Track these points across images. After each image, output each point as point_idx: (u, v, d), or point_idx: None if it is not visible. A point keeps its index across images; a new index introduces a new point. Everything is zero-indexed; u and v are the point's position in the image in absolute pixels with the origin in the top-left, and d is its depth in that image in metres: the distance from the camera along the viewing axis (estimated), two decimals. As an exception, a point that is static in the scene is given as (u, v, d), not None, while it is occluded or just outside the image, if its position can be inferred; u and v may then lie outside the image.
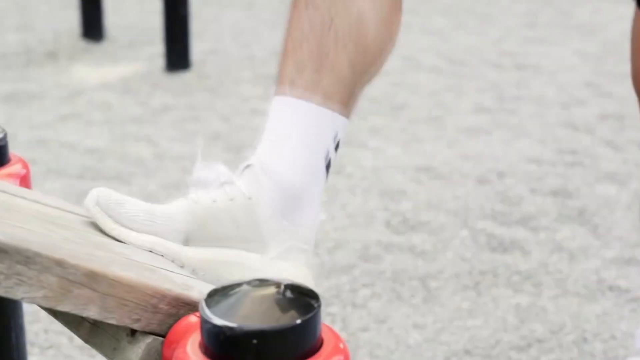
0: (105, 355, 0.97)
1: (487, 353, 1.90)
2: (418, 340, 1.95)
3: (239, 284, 0.88)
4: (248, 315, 0.83)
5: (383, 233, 2.42)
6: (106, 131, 3.21)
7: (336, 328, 1.99)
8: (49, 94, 3.63)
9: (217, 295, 0.86)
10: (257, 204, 1.18)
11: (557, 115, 3.37)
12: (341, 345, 0.85)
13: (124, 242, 1.10)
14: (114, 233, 1.10)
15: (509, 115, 3.38)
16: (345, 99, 1.25)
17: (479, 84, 3.75)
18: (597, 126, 3.21)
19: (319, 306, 0.84)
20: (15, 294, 0.86)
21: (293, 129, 1.23)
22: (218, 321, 0.82)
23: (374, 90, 3.61)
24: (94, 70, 3.97)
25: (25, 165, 1.34)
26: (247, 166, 1.21)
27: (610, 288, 2.13)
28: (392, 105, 3.51)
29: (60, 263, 0.88)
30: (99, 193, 1.12)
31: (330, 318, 2.03)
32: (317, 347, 0.84)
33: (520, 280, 2.17)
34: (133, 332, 0.94)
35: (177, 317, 0.94)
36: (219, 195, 1.18)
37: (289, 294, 0.86)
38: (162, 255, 1.11)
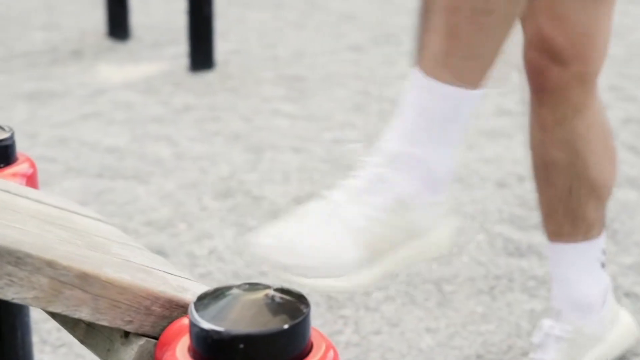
0: (99, 356, 0.97)
1: (500, 358, 1.88)
2: (430, 344, 1.94)
3: (229, 287, 0.87)
4: (236, 319, 0.83)
5: (399, 236, 2.40)
6: (127, 130, 3.22)
7: (348, 331, 1.98)
8: (72, 92, 3.65)
9: (207, 298, 0.86)
10: None
11: (580, 119, 3.33)
12: (331, 352, 0.85)
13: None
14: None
15: (531, 118, 3.34)
16: None
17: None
18: (619, 130, 3.17)
19: (308, 311, 0.83)
20: (5, 294, 0.86)
21: None
22: (206, 325, 0.82)
23: (392, 90, 3.60)
24: (118, 69, 3.98)
25: (32, 165, 1.34)
26: None
27: (627, 294, 2.11)
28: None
29: (51, 264, 0.88)
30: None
31: (342, 321, 2.02)
32: (306, 352, 0.84)
33: (536, 286, 2.15)
34: (127, 334, 0.94)
35: (171, 320, 0.94)
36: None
37: (278, 298, 0.85)
38: None
